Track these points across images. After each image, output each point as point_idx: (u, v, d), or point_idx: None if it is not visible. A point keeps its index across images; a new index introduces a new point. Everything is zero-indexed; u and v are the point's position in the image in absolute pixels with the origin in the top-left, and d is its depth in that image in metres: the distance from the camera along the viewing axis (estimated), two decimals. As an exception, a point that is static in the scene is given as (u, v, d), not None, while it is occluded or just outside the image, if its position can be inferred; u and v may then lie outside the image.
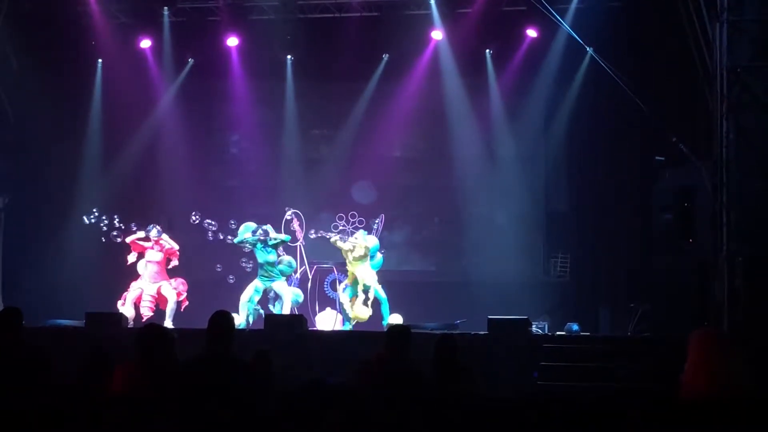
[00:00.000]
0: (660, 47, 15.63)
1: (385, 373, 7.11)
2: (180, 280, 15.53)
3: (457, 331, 14.01)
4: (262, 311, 15.46)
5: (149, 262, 15.36)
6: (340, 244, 15.44)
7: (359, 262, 15.22)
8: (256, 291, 15.32)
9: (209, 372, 6.19)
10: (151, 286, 15.25)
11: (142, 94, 18.33)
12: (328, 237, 15.64)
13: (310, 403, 4.94)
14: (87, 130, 18.46)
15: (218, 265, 16.50)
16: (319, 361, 12.53)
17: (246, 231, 15.50)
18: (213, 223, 16.37)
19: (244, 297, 15.21)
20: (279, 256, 15.54)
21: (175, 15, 18.02)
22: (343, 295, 15.49)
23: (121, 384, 6.35)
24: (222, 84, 18.56)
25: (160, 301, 15.30)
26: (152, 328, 6.87)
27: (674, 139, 14.38)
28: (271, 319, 14.27)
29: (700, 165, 13.82)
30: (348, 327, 15.26)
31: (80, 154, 18.44)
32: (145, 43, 18.15)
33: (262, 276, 15.30)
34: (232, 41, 18.07)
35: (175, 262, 15.48)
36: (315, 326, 15.62)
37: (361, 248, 15.21)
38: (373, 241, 15.48)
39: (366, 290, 15.12)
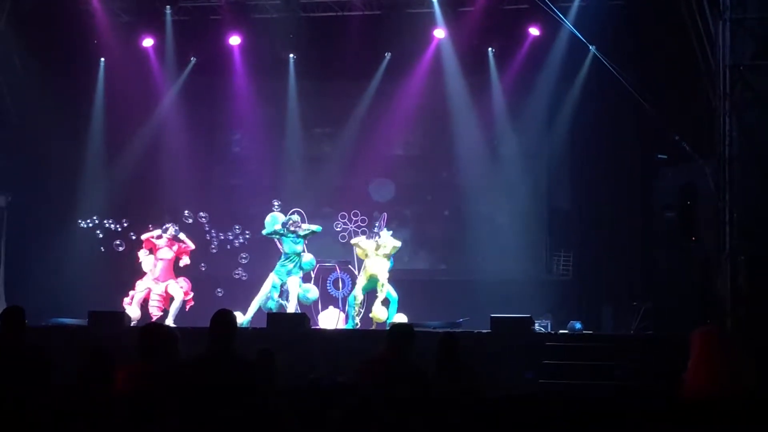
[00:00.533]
0: (662, 45, 15.61)
1: (387, 372, 7.11)
2: (185, 279, 15.54)
3: (460, 330, 14.02)
4: (285, 303, 15.45)
5: (160, 259, 15.37)
6: (364, 243, 15.47)
7: (384, 259, 15.27)
8: (274, 287, 15.34)
9: (211, 371, 6.19)
10: (159, 285, 15.25)
11: (144, 93, 18.32)
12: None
13: (313, 401, 4.94)
14: (89, 129, 18.46)
15: (203, 264, 16.60)
16: (322, 360, 12.53)
17: (274, 222, 15.52)
18: (205, 215, 16.47)
19: (260, 295, 15.26)
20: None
21: (178, 14, 18.03)
22: (361, 296, 15.48)
23: (124, 383, 6.35)
24: (224, 83, 18.55)
25: (167, 300, 15.30)
26: (154, 327, 6.88)
27: (677, 137, 14.38)
28: (274, 318, 14.27)
29: (702, 163, 13.82)
30: (352, 326, 15.25)
31: (83, 152, 18.43)
32: (148, 42, 18.15)
33: (282, 267, 15.30)
34: (235, 40, 18.06)
35: (186, 261, 15.48)
36: (318, 325, 15.61)
37: (387, 247, 15.28)
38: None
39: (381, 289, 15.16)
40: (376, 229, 16.08)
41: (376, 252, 15.28)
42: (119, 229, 16.49)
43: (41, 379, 6.81)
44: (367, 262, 15.37)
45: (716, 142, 13.12)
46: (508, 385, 11.58)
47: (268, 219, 15.65)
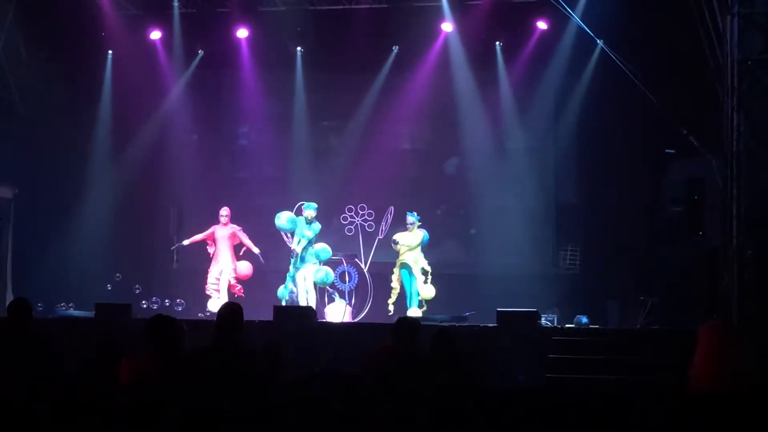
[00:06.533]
0: (671, 39, 15.57)
1: (393, 365, 7.12)
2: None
3: (466, 323, 14.04)
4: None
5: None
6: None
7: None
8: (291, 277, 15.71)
9: (217, 362, 6.21)
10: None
11: (151, 86, 18.33)
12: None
13: (319, 393, 4.94)
14: (96, 121, 18.47)
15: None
16: (328, 353, 12.54)
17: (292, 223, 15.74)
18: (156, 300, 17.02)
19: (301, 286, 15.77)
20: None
21: (185, 6, 18.01)
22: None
23: (130, 374, 6.36)
24: (232, 75, 18.56)
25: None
26: (161, 318, 6.89)
27: (684, 132, 14.35)
28: (280, 311, 14.30)
29: (710, 157, 13.80)
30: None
31: (90, 144, 18.45)
32: (155, 35, 18.16)
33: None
34: (242, 33, 18.06)
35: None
36: (324, 318, 15.64)
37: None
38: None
39: None
40: (383, 224, 16.17)
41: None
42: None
43: (48, 370, 6.84)
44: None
45: (724, 137, 13.09)
46: (514, 378, 11.62)
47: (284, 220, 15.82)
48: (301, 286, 15.61)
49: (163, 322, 6.81)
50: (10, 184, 17.80)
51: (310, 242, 15.65)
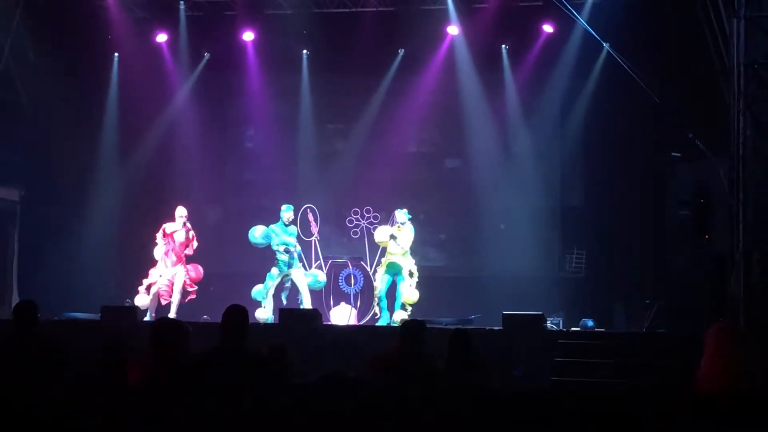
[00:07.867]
0: (677, 42, 15.57)
1: (399, 367, 7.12)
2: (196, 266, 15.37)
3: (472, 326, 14.01)
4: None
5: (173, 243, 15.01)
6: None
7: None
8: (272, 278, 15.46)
9: (223, 365, 6.21)
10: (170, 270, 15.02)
11: (158, 89, 18.34)
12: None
13: (325, 396, 4.94)
14: (103, 124, 18.48)
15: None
16: (334, 356, 12.54)
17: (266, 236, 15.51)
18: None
19: (271, 290, 15.34)
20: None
21: (192, 9, 18.03)
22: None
23: (136, 377, 6.36)
24: (238, 78, 18.56)
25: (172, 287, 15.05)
26: (167, 321, 6.91)
27: (691, 135, 14.34)
28: (286, 314, 14.30)
29: (716, 161, 13.79)
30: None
31: (96, 147, 18.45)
32: (162, 38, 18.18)
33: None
34: (248, 36, 18.07)
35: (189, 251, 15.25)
36: (329, 321, 15.64)
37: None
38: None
39: None
40: (389, 225, 16.18)
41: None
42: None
43: (54, 373, 6.84)
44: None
45: (730, 140, 13.08)
46: (520, 382, 11.62)
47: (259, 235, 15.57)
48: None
49: (168, 325, 6.82)
50: (16, 186, 17.82)
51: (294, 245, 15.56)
